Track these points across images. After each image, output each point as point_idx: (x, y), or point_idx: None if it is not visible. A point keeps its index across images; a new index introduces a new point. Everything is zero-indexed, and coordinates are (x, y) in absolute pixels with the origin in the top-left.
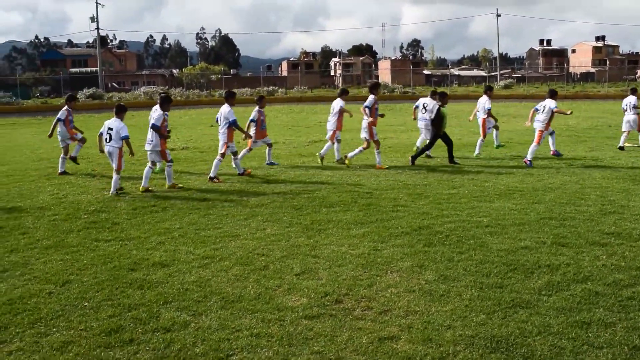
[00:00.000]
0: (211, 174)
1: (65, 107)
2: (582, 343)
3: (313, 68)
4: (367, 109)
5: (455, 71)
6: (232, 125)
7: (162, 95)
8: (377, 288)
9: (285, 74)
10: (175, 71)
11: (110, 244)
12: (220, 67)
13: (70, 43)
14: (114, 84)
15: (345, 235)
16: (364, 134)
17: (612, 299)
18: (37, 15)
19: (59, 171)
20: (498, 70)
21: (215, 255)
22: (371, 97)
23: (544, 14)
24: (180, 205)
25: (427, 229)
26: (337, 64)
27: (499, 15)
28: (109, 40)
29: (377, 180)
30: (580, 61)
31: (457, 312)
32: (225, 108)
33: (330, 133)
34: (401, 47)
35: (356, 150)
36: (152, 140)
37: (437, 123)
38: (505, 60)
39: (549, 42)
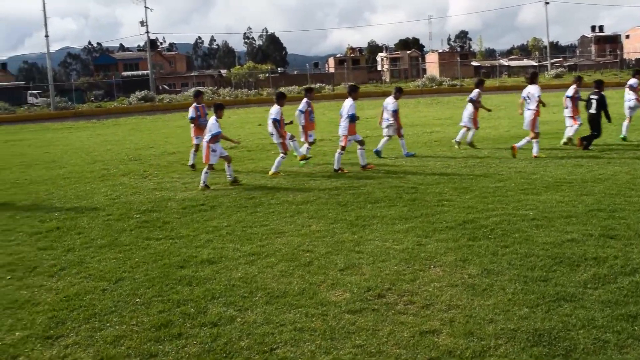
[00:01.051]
0: (335, 166)
1: (194, 105)
2: (627, 336)
3: (360, 64)
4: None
5: (504, 62)
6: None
7: (277, 92)
8: (420, 282)
9: (332, 70)
10: (223, 71)
11: (160, 242)
12: (268, 66)
13: (121, 47)
14: (165, 86)
15: (389, 230)
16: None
17: None
18: (89, 21)
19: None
20: (548, 59)
21: (261, 252)
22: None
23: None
24: (228, 204)
25: (471, 223)
26: (384, 58)
27: (548, 3)
28: (158, 43)
29: (423, 175)
30: (635, 47)
31: (500, 305)
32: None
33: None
34: (449, 40)
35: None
36: (272, 134)
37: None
38: (556, 48)
39: (601, 28)
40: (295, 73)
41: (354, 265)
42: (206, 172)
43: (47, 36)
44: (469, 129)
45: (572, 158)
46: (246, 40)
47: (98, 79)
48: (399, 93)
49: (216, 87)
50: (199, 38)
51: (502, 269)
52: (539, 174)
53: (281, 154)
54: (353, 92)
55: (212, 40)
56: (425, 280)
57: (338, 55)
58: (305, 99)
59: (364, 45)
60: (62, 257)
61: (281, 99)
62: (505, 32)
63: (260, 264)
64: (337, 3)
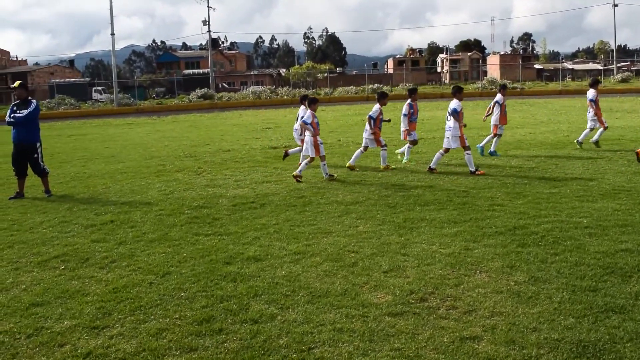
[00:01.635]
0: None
1: (409, 101)
2: None
3: (419, 65)
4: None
5: (568, 65)
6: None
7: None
8: (464, 288)
9: (390, 71)
10: (282, 71)
11: (209, 238)
12: (326, 66)
13: (184, 46)
14: (224, 84)
15: (437, 234)
16: None
17: None
18: (155, 20)
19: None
20: (615, 63)
21: (307, 251)
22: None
23: None
24: (278, 202)
25: (522, 229)
26: (444, 60)
27: (616, 5)
28: (220, 42)
29: (475, 179)
30: None
31: (545, 314)
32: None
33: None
34: (511, 42)
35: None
36: (366, 130)
37: None
38: (624, 52)
39: None
40: (354, 73)
41: (398, 267)
42: (324, 164)
43: (112, 34)
44: (592, 129)
45: (633, 165)
46: (306, 39)
47: (160, 76)
48: (383, 98)
49: (274, 86)
50: (260, 37)
51: (550, 277)
52: (597, 181)
53: (382, 149)
54: (458, 93)
55: (273, 39)
56: (469, 286)
57: (397, 56)
58: (408, 101)
59: (424, 46)
60: (114, 249)
61: (383, 98)
62: (571, 35)
63: (304, 263)
64: (398, 3)
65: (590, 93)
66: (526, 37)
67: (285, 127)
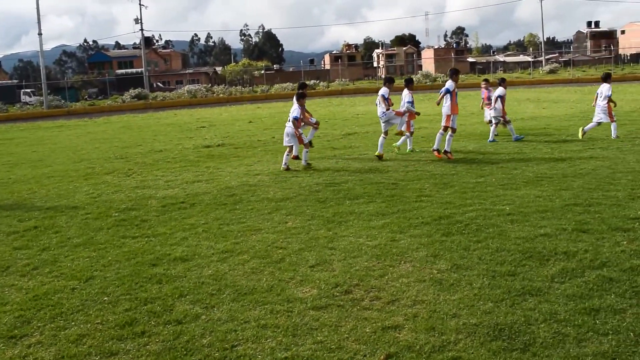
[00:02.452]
0: (446, 148)
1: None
2: (587, 330)
3: (355, 60)
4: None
5: (500, 57)
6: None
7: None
8: (389, 278)
9: (327, 67)
10: (218, 69)
11: (136, 241)
12: (263, 63)
13: (117, 45)
14: (159, 84)
15: (365, 226)
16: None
17: (626, 285)
18: (86, 19)
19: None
20: (543, 55)
21: (234, 249)
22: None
23: None
24: (208, 202)
25: (447, 218)
26: (380, 55)
27: None
28: (154, 41)
29: (405, 171)
30: (631, 42)
31: (465, 300)
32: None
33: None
34: (445, 36)
35: None
36: (384, 114)
37: None
38: (552, 44)
39: (597, 24)
40: (291, 70)
41: (325, 261)
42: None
43: (40, 34)
44: (599, 123)
45: (556, 153)
46: (242, 37)
47: (92, 77)
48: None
49: (210, 85)
50: (195, 35)
51: (471, 264)
52: (520, 169)
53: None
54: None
55: (209, 37)
56: (394, 276)
57: (334, 52)
58: (405, 90)
59: (360, 41)
60: (37, 256)
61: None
62: (502, 28)
63: (232, 262)
64: None
65: (606, 88)
66: (459, 31)
67: (220, 125)
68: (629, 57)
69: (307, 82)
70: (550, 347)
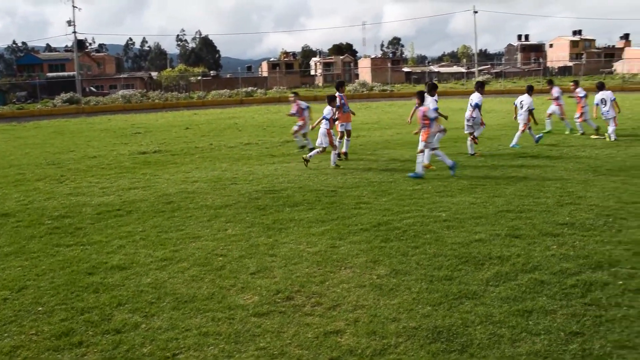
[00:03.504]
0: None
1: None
2: (520, 330)
3: (293, 68)
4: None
5: (434, 68)
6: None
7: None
8: (329, 284)
9: (265, 74)
10: (154, 74)
11: (71, 249)
12: (200, 69)
13: (48, 47)
14: (92, 88)
15: (305, 233)
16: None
17: (556, 287)
18: (15, 20)
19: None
20: (476, 66)
21: (174, 257)
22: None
23: (525, 10)
24: (145, 209)
25: (386, 225)
26: (318, 63)
27: (476, 12)
28: (87, 44)
29: (344, 179)
30: (558, 55)
31: (404, 305)
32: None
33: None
34: (382, 45)
35: None
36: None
37: None
38: (485, 56)
39: (527, 37)
40: (228, 76)
41: (266, 268)
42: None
43: None
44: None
45: (490, 161)
46: (179, 42)
47: (21, 79)
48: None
49: (146, 90)
50: (130, 39)
51: (410, 269)
52: (456, 177)
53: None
54: (481, 88)
55: (144, 41)
56: (334, 282)
57: (272, 59)
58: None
59: (298, 49)
60: None
61: (434, 90)
62: (437, 40)
63: (171, 269)
64: (273, 6)
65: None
66: (395, 42)
67: (155, 131)
68: (556, 70)
69: (245, 89)
70: (487, 348)
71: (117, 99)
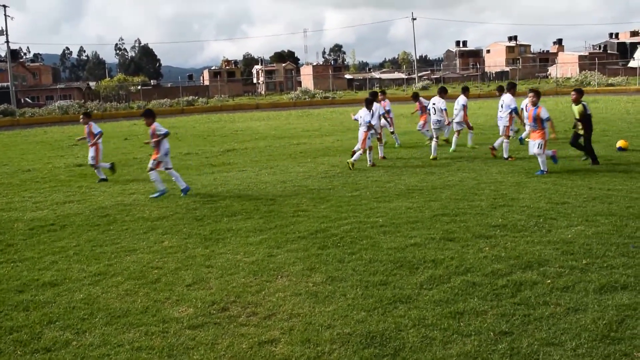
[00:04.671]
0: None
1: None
2: (452, 332)
3: (235, 76)
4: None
5: (376, 74)
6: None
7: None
8: (265, 293)
9: (207, 83)
10: (92, 84)
11: (1, 267)
12: (140, 78)
13: None
14: (27, 99)
15: (242, 243)
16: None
17: (487, 288)
18: None
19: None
20: (416, 72)
21: (108, 271)
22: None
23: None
24: (79, 223)
25: (323, 232)
26: (260, 71)
27: (415, 19)
28: (22, 54)
29: (283, 187)
30: (495, 61)
31: (339, 311)
32: (507, 97)
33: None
34: (323, 53)
35: None
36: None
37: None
38: (425, 62)
39: (464, 43)
40: (169, 85)
41: (202, 279)
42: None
43: None
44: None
45: (427, 167)
46: (118, 51)
47: None
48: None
49: (84, 101)
50: (67, 49)
51: (346, 276)
52: (393, 182)
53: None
54: (512, 89)
55: (82, 50)
56: (270, 291)
57: (213, 68)
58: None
59: (240, 57)
60: None
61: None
62: (378, 46)
63: (105, 284)
64: (215, 14)
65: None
66: (337, 49)
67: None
68: (494, 75)
69: (186, 98)
70: (419, 351)
71: (54, 110)
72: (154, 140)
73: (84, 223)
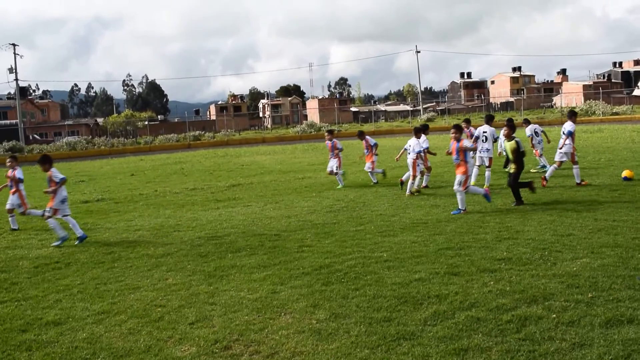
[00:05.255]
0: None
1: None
2: None
3: (241, 110)
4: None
5: (381, 107)
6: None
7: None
8: (269, 331)
9: (213, 117)
10: (100, 120)
11: (4, 305)
12: (147, 114)
13: None
14: (36, 136)
15: (246, 279)
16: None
17: (492, 324)
18: None
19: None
20: (421, 104)
21: (111, 309)
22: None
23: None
24: (84, 260)
25: (327, 267)
26: (266, 105)
27: (419, 52)
28: (31, 91)
29: (288, 222)
30: (500, 91)
31: (342, 349)
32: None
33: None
34: (329, 86)
35: None
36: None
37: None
38: (430, 93)
39: (469, 74)
40: (176, 120)
41: (205, 317)
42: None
43: None
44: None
45: (432, 199)
46: (125, 87)
47: None
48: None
49: (91, 137)
50: (75, 85)
51: (349, 312)
52: (398, 216)
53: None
54: (573, 116)
55: (90, 87)
56: (273, 329)
57: (220, 102)
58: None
59: (246, 92)
60: None
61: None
62: (383, 79)
63: (108, 323)
64: (221, 50)
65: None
66: (342, 82)
67: (100, 179)
68: (499, 105)
69: (193, 133)
70: None
71: (62, 146)
72: (51, 188)
73: (88, 260)
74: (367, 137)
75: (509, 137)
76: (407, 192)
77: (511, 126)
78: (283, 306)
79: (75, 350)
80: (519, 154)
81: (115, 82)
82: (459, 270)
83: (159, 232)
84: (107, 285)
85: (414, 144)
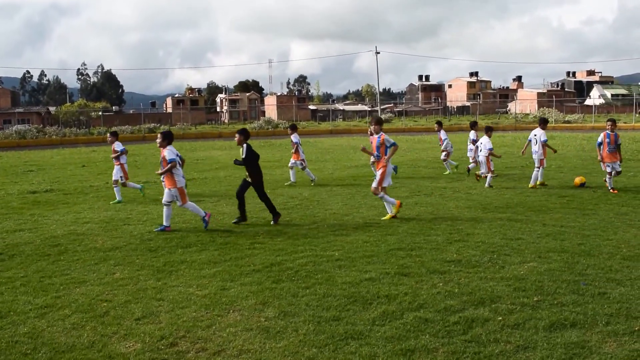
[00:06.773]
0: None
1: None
2: None
3: (199, 104)
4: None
5: (340, 106)
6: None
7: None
8: (216, 328)
9: (169, 110)
10: (52, 108)
11: None
12: (101, 104)
13: None
14: None
15: (195, 275)
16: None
17: (439, 325)
18: None
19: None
20: (379, 105)
21: (55, 303)
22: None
23: (425, 52)
24: (29, 252)
25: (278, 265)
26: (223, 100)
27: (378, 53)
28: None
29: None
30: (457, 95)
31: (290, 347)
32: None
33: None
34: (288, 83)
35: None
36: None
37: None
38: (388, 95)
39: (427, 77)
40: (131, 112)
41: (151, 313)
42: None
43: None
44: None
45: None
46: (80, 76)
47: None
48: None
49: (42, 126)
50: (27, 72)
51: (299, 311)
52: (352, 215)
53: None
54: (543, 124)
55: (43, 75)
56: (221, 326)
57: (176, 95)
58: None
59: (204, 86)
60: None
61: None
62: (342, 78)
63: (51, 317)
64: (180, 42)
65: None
66: (302, 80)
67: (50, 169)
68: (455, 109)
69: (148, 125)
70: None
71: (11, 134)
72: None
73: (33, 253)
74: (294, 135)
75: (240, 143)
76: (487, 185)
77: (242, 131)
78: (232, 303)
79: (15, 345)
80: (250, 160)
81: (70, 70)
82: (409, 271)
83: (108, 225)
84: (51, 279)
85: (485, 142)
